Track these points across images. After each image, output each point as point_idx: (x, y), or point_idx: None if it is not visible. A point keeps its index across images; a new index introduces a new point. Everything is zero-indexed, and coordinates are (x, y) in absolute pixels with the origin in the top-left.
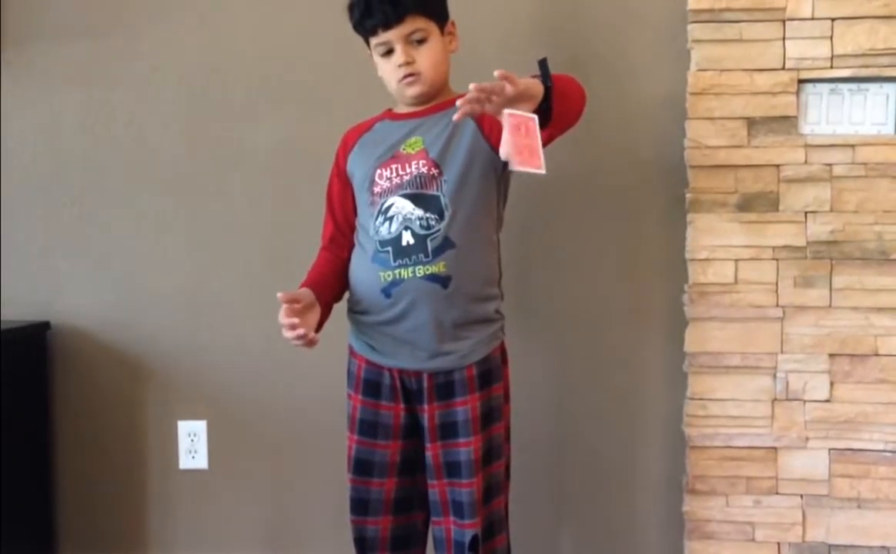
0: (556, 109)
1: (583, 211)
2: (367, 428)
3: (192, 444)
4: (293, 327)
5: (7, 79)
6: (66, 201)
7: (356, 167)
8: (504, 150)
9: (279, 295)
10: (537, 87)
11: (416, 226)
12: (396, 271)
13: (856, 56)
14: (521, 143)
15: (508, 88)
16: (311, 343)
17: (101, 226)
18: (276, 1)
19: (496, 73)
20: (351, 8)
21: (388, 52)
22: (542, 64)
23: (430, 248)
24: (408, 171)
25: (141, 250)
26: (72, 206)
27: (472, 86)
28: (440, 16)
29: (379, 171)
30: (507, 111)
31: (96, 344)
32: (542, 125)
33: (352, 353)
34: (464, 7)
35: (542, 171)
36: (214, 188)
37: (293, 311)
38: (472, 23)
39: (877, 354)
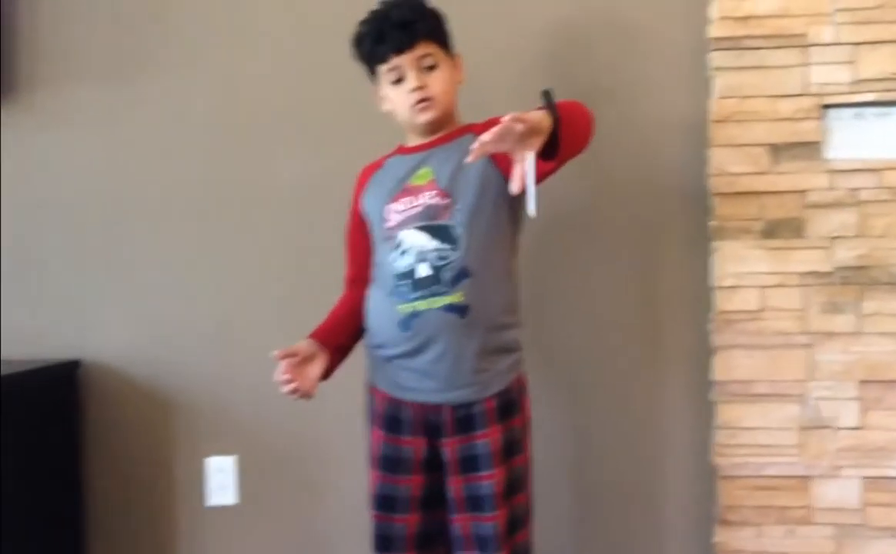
0: (563, 139)
1: (604, 239)
2: (388, 463)
3: (222, 479)
4: (286, 383)
5: (38, 122)
6: (94, 241)
7: (370, 205)
8: (517, 187)
9: (274, 354)
10: (546, 121)
11: (431, 257)
12: (414, 304)
13: (879, 80)
14: (529, 185)
15: (519, 127)
16: (306, 396)
17: (129, 264)
18: (298, 36)
19: (506, 120)
20: (360, 39)
21: (399, 80)
22: (547, 94)
23: (446, 279)
24: (419, 202)
25: (169, 287)
26: (100, 246)
27: (483, 136)
28: (448, 47)
29: (391, 205)
30: (525, 155)
31: (126, 382)
32: (550, 156)
33: (371, 388)
34: (486, 39)
35: (534, 214)
36: (241, 224)
37: (290, 365)
38: (493, 52)
39: None
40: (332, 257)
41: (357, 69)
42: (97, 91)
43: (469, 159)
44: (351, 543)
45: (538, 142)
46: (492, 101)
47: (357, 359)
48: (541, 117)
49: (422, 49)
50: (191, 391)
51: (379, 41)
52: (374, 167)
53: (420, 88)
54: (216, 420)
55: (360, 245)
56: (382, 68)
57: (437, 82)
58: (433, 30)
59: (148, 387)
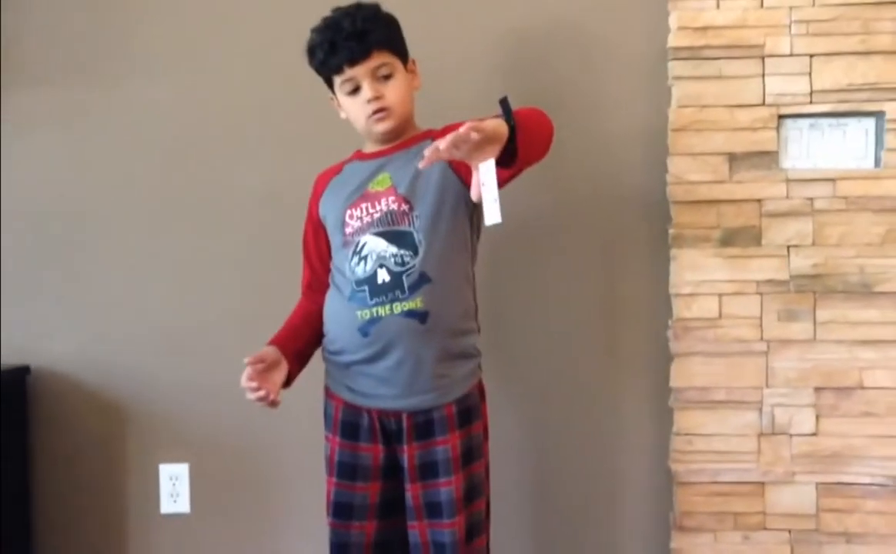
0: (521, 147)
1: (563, 246)
2: (345, 470)
3: (174, 487)
4: (254, 390)
5: None
6: (46, 245)
7: (328, 211)
8: (475, 194)
9: (246, 359)
10: (503, 129)
11: (390, 263)
12: (374, 309)
13: (834, 91)
14: (487, 193)
15: (474, 135)
16: (273, 404)
17: (82, 269)
18: (258, 48)
19: (462, 130)
20: (312, 49)
21: (355, 90)
22: (504, 103)
23: (406, 285)
24: (378, 208)
25: (121, 293)
26: (52, 250)
27: (436, 143)
28: (403, 53)
29: (349, 211)
30: (482, 164)
31: (77, 388)
32: (508, 163)
33: (328, 394)
34: (446, 46)
35: (498, 221)
36: (194, 230)
37: (256, 372)
38: (454, 60)
39: (862, 387)
40: (289, 264)
41: (317, 77)
42: (52, 96)
43: (421, 165)
44: (307, 551)
45: (495, 150)
46: (452, 107)
47: (313, 364)
48: (497, 125)
49: (377, 59)
50: (143, 398)
51: (332, 52)
52: (332, 172)
53: (376, 99)
54: (169, 427)
55: (318, 251)
56: (337, 79)
57: (394, 91)
58: (388, 38)
59: (99, 393)
